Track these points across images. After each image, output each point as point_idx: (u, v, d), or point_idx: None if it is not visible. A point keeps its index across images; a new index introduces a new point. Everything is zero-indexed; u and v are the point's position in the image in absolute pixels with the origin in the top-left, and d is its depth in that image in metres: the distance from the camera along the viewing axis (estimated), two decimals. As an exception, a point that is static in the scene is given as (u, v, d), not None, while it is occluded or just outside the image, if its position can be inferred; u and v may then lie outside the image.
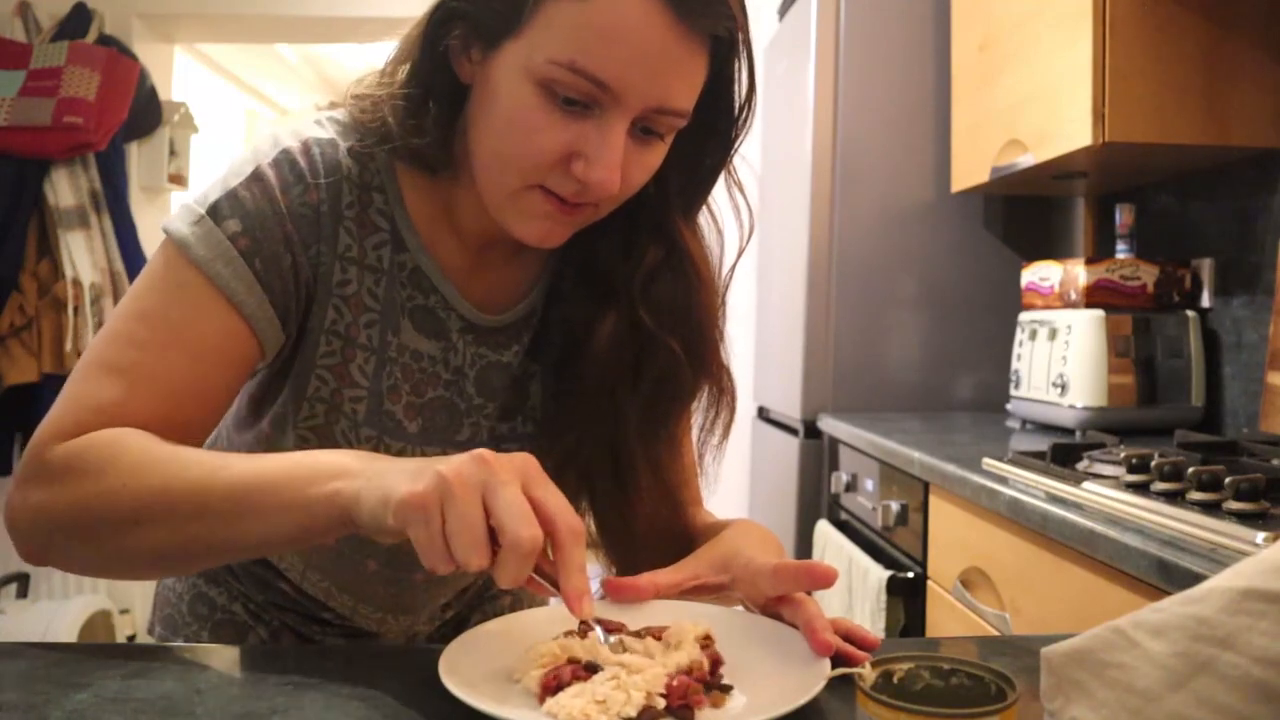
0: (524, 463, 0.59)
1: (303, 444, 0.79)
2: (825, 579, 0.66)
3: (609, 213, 0.76)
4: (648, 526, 0.84)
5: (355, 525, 0.61)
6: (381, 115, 0.76)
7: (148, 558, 0.67)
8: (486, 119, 0.71)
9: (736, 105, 0.76)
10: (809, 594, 0.67)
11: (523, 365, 0.86)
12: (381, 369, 0.79)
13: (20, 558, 0.69)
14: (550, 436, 0.85)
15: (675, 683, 0.58)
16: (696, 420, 0.86)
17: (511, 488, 0.57)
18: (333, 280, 0.76)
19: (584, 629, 0.63)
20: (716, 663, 0.62)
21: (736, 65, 0.74)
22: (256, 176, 0.73)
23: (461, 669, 0.59)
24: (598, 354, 0.81)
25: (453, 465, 0.57)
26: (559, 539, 0.58)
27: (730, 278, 0.86)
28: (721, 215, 0.84)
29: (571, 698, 0.55)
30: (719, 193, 0.83)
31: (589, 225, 0.77)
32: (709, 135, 0.78)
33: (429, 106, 0.75)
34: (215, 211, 0.72)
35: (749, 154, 0.83)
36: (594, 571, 0.66)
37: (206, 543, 0.66)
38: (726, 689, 0.59)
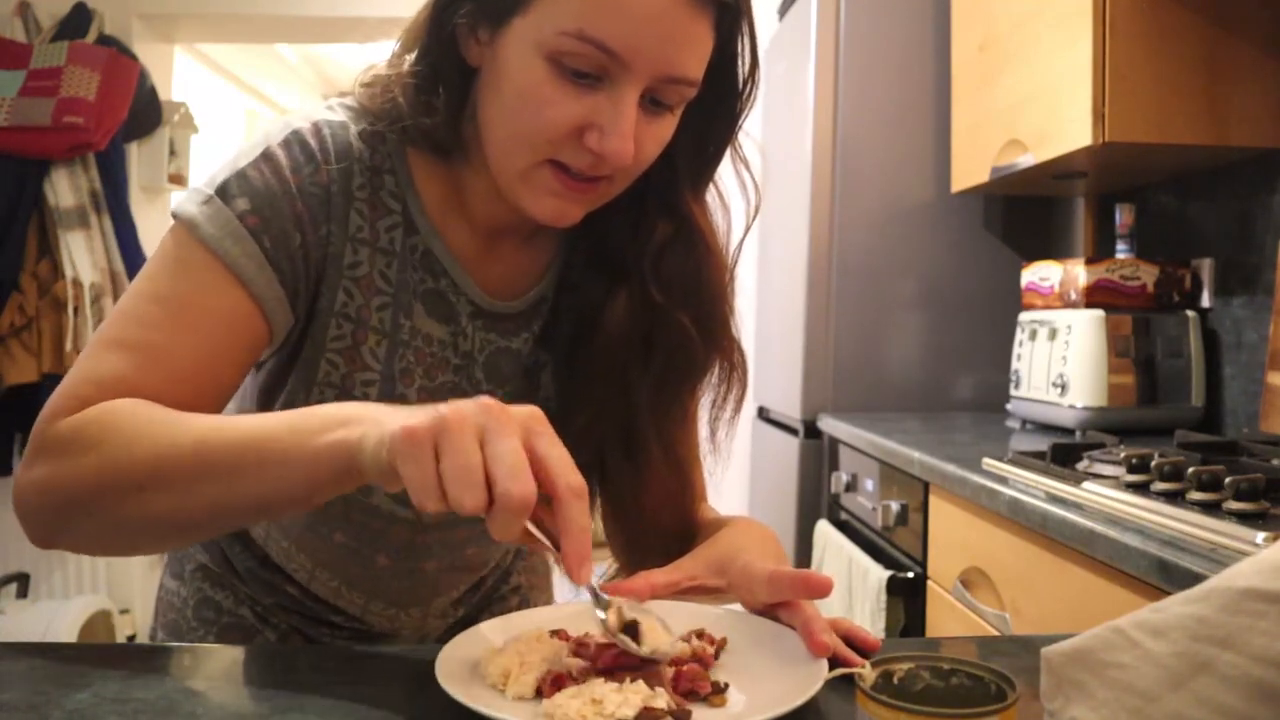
0: (529, 415, 0.57)
1: None
2: (820, 589, 0.65)
3: (619, 193, 0.76)
4: (658, 507, 0.84)
5: (360, 473, 0.58)
6: (391, 96, 0.76)
7: (154, 526, 0.66)
8: (498, 98, 0.71)
9: (741, 79, 0.77)
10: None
11: (534, 354, 0.85)
12: (394, 352, 0.79)
13: (32, 543, 0.68)
14: (563, 419, 0.85)
15: (685, 668, 0.59)
16: (707, 396, 0.86)
17: (510, 439, 0.54)
18: (344, 262, 0.76)
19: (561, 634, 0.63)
20: (719, 647, 0.63)
21: (740, 38, 0.74)
22: (266, 156, 0.73)
23: (459, 669, 0.59)
24: (609, 333, 0.81)
25: (455, 407, 0.55)
26: (559, 497, 0.55)
27: (739, 253, 0.86)
28: (728, 192, 0.84)
29: (569, 698, 0.55)
30: (725, 169, 0.83)
31: (600, 207, 0.77)
32: (715, 109, 0.78)
33: (438, 90, 0.75)
34: (224, 191, 0.72)
35: (750, 150, 0.83)
36: (600, 569, 0.66)
37: (212, 505, 0.64)
38: (724, 688, 0.59)
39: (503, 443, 0.54)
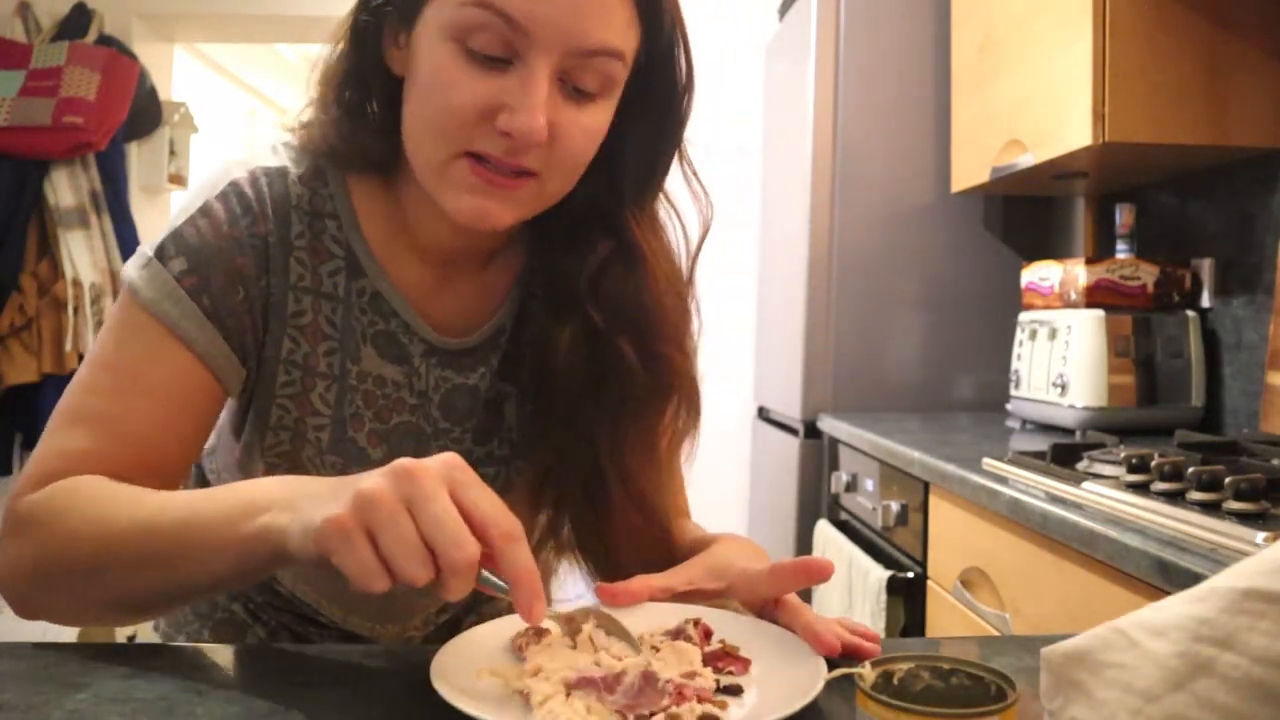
0: (448, 466, 0.55)
1: (272, 470, 0.79)
2: (822, 573, 0.66)
3: (557, 197, 0.74)
4: (624, 540, 0.81)
5: (289, 559, 0.58)
6: (318, 120, 0.76)
7: (113, 605, 0.67)
8: (413, 93, 0.71)
9: (679, 85, 0.75)
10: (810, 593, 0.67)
11: (494, 387, 0.84)
12: (343, 397, 0.79)
13: (17, 615, 0.70)
14: (526, 457, 0.84)
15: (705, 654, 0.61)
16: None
17: (438, 500, 0.53)
18: (286, 311, 0.76)
19: (538, 633, 0.62)
20: (709, 633, 0.64)
21: (676, 49, 0.73)
22: (204, 212, 0.73)
23: (454, 673, 0.59)
24: (560, 364, 0.79)
25: (372, 481, 0.53)
26: (495, 547, 0.54)
27: (693, 268, 0.83)
28: (682, 207, 0.83)
29: (562, 704, 0.54)
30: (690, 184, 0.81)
31: (556, 232, 0.75)
32: (653, 117, 0.76)
33: (368, 107, 0.75)
34: (161, 252, 0.72)
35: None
36: (582, 586, 0.66)
37: (159, 587, 0.65)
38: (737, 691, 0.59)
39: (433, 507, 0.53)
